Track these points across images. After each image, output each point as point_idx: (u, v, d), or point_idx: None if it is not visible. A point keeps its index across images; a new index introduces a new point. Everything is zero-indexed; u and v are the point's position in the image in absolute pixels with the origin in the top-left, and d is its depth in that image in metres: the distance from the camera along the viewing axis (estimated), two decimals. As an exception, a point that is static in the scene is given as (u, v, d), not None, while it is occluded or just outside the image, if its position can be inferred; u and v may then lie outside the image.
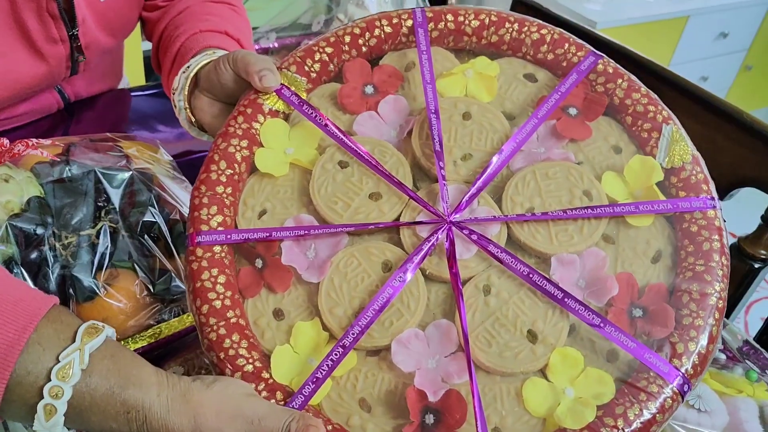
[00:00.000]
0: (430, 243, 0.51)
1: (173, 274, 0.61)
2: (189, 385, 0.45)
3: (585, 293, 0.51)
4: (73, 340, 0.44)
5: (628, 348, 0.48)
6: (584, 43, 0.60)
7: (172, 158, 0.72)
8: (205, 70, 0.64)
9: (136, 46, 1.63)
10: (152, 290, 0.61)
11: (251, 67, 0.56)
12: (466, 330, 0.48)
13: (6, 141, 0.66)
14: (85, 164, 0.64)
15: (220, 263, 0.52)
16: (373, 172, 0.55)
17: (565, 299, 0.49)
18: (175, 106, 0.68)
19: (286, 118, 0.58)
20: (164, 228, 0.64)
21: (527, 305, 0.50)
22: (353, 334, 0.49)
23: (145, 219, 0.62)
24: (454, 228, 0.52)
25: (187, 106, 0.66)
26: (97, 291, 0.58)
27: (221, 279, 0.51)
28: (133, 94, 1.03)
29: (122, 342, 0.59)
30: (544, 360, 0.49)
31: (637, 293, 0.51)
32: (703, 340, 0.48)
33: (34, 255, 0.59)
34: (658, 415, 0.47)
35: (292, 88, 0.57)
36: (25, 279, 0.57)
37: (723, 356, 0.67)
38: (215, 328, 0.50)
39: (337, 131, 0.55)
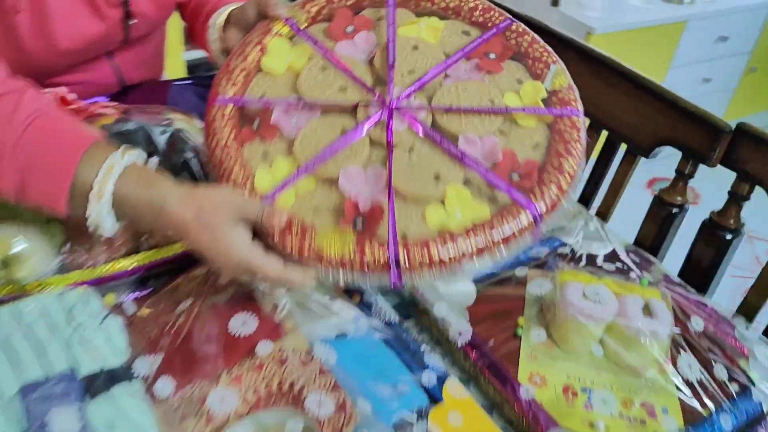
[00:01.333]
0: (377, 118, 0.74)
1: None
2: (197, 187, 0.67)
3: (480, 161, 0.73)
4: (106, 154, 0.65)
5: (504, 188, 0.69)
6: (504, 12, 0.84)
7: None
8: (235, 11, 0.89)
9: (176, 54, 1.90)
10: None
11: (269, 1, 0.82)
12: (391, 172, 0.70)
13: (83, 102, 0.86)
14: (139, 122, 0.86)
15: (229, 119, 0.74)
16: (345, 74, 0.78)
17: (464, 158, 0.71)
18: (210, 42, 0.93)
19: (290, 40, 0.82)
20: (196, 169, 0.84)
21: (437, 160, 0.72)
22: (314, 163, 0.70)
23: (182, 161, 0.81)
24: (394, 111, 0.75)
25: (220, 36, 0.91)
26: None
27: (227, 130, 0.74)
28: (173, 83, 1.24)
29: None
30: (442, 192, 0.70)
31: (517, 164, 0.72)
32: (554, 193, 0.69)
33: None
34: (517, 233, 0.67)
35: (296, 20, 0.82)
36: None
37: (636, 273, 0.84)
38: (223, 162, 0.72)
39: (323, 48, 0.79)
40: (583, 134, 0.74)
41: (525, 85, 0.78)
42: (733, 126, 0.86)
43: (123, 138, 0.78)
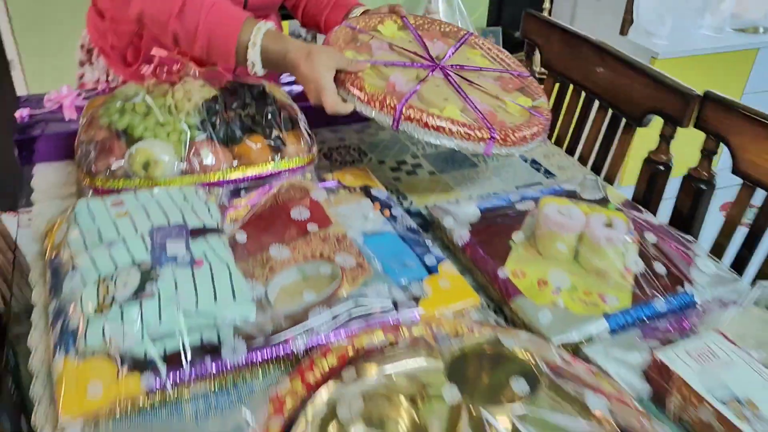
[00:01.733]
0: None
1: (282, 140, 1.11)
2: (311, 43, 1.02)
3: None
4: (255, 23, 1.04)
5: (480, 118, 0.95)
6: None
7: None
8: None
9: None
10: (271, 144, 1.10)
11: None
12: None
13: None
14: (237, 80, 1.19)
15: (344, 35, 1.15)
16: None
17: (467, 99, 0.97)
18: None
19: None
20: (278, 115, 1.15)
21: (450, 93, 0.99)
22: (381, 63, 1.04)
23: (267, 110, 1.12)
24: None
25: None
26: (243, 137, 1.09)
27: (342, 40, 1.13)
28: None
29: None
30: (445, 106, 0.98)
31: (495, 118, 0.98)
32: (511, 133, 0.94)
33: (212, 119, 1.12)
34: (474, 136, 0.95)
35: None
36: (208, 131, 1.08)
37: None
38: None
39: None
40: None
41: (520, 98, 1.05)
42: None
43: (229, 92, 1.10)
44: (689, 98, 1.04)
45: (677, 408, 0.72)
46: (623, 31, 2.46)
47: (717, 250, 1.05)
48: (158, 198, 0.95)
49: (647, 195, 1.13)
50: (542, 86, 1.17)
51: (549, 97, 1.37)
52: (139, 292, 0.77)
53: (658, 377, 0.74)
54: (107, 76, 1.36)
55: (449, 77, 1.12)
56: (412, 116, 1.00)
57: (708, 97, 1.02)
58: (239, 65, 1.09)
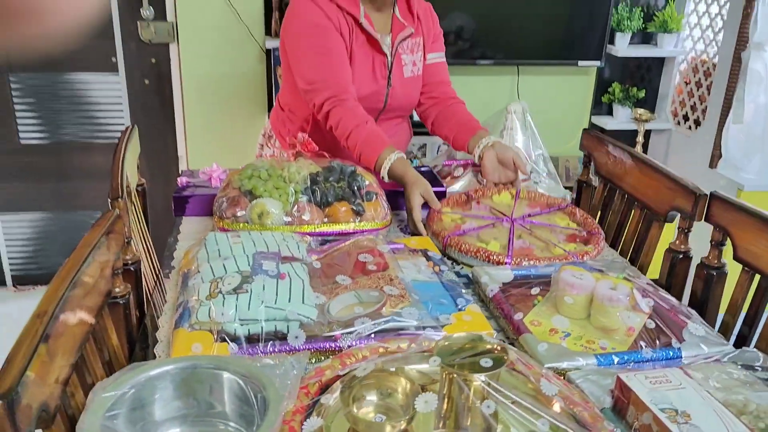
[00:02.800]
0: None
1: (362, 207, 1.44)
2: (420, 176, 1.42)
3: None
4: (392, 151, 1.44)
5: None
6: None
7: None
8: (498, 146, 1.61)
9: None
10: (354, 209, 1.44)
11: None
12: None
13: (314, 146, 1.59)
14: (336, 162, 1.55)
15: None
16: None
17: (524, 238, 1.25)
18: (471, 148, 1.64)
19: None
20: (362, 189, 1.49)
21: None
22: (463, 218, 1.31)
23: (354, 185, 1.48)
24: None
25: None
26: (333, 202, 1.43)
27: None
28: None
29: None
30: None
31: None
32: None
33: (313, 187, 1.49)
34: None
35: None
36: (309, 195, 1.45)
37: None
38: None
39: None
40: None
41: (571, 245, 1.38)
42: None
43: (328, 170, 1.45)
44: (699, 197, 1.23)
45: (631, 417, 0.89)
46: (712, 164, 2.62)
47: (724, 329, 1.19)
48: (264, 235, 1.29)
49: (669, 280, 1.30)
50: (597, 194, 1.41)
51: (599, 198, 1.60)
52: (237, 289, 1.08)
53: (620, 393, 0.92)
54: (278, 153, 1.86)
55: (513, 226, 1.46)
56: (452, 243, 1.38)
57: (714, 196, 1.21)
58: (374, 171, 1.53)
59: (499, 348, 0.88)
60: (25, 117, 2.81)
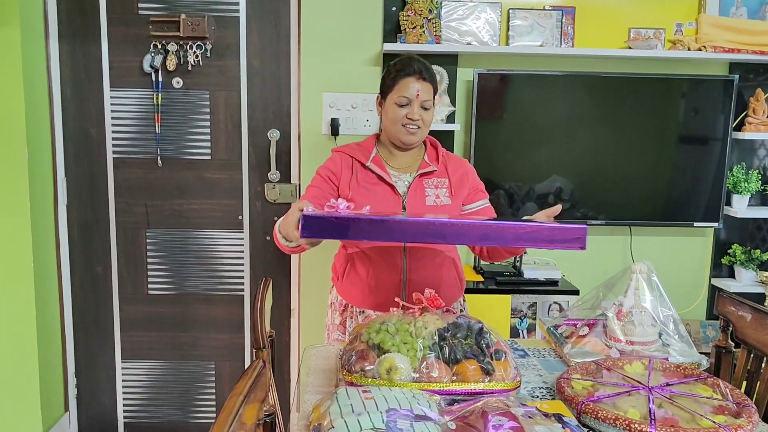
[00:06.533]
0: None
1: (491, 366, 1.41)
2: None
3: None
4: None
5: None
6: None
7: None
8: None
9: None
10: (483, 368, 1.41)
11: None
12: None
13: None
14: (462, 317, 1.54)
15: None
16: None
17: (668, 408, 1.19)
18: None
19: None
20: (491, 347, 1.47)
21: None
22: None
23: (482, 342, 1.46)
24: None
25: None
26: (462, 360, 1.41)
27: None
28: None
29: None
30: None
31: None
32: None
33: (441, 343, 1.48)
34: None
35: None
36: (437, 352, 1.44)
37: None
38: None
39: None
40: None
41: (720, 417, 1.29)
42: None
43: (454, 326, 1.45)
44: None
45: None
46: None
47: None
48: (395, 392, 1.27)
49: None
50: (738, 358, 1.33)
51: (742, 367, 1.49)
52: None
53: None
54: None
55: (651, 395, 1.35)
56: (587, 410, 1.30)
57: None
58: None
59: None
60: (155, 269, 3.02)
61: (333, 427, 1.14)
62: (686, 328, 3.06)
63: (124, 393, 3.09)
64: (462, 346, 1.41)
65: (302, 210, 1.46)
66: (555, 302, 2.94)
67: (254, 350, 1.15)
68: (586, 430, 1.29)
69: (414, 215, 1.81)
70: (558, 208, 1.63)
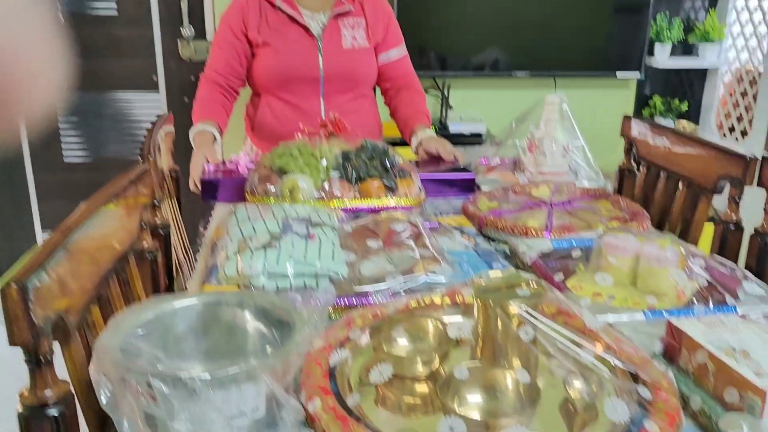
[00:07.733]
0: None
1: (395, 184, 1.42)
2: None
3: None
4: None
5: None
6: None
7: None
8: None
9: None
10: (386, 183, 1.42)
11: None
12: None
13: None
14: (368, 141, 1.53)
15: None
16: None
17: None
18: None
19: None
20: (394, 166, 1.46)
21: None
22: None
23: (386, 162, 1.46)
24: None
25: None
26: (366, 178, 1.41)
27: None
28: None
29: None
30: None
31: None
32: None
33: (345, 164, 1.46)
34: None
35: None
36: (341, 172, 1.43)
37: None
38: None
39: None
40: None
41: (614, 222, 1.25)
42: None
43: (362, 149, 1.43)
44: (750, 161, 1.17)
45: (684, 361, 0.82)
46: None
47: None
48: (296, 207, 1.26)
49: (720, 254, 1.22)
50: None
51: (642, 184, 1.53)
52: (266, 246, 1.06)
53: (670, 338, 0.85)
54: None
55: (552, 209, 1.40)
56: (489, 222, 1.32)
57: (765, 159, 1.15)
58: None
59: (537, 284, 0.83)
60: (68, 135, 2.89)
61: (227, 235, 1.13)
62: (606, 178, 3.17)
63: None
64: (366, 166, 1.40)
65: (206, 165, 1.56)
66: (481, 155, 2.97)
67: (140, 156, 1.11)
68: (487, 240, 1.32)
69: (331, 60, 1.76)
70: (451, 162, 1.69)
